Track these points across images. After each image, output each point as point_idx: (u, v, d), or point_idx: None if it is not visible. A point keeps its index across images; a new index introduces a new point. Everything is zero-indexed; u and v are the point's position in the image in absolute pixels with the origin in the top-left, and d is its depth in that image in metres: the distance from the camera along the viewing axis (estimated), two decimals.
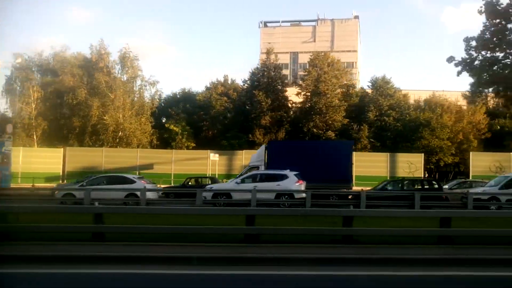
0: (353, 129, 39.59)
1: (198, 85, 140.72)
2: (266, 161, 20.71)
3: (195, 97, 50.04)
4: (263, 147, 21.62)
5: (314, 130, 39.62)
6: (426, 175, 42.30)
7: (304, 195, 18.33)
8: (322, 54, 46.77)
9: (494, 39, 16.23)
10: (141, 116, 42.96)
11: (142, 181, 18.67)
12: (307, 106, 40.97)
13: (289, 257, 7.94)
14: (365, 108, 41.74)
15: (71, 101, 40.37)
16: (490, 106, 49.01)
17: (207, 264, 7.60)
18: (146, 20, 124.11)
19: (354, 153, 38.66)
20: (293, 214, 11.94)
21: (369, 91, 44.35)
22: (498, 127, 46.22)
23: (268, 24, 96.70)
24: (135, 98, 43.48)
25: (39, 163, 35.69)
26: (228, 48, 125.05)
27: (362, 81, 74.63)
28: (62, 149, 36.93)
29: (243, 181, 18.87)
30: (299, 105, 42.75)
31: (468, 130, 41.41)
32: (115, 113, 40.57)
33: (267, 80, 46.13)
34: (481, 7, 15.71)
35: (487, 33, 16.38)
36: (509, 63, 16.23)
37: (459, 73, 16.04)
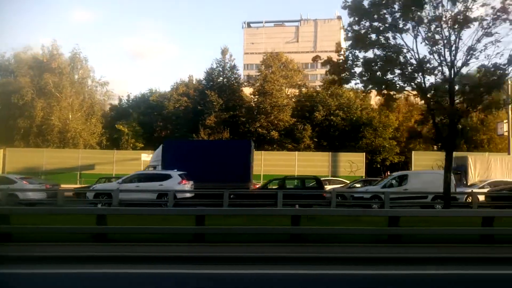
0: (297, 129, 39.62)
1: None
2: (162, 160, 20.73)
3: (150, 98, 50.01)
4: (161, 146, 21.65)
5: (260, 130, 39.67)
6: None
7: (187, 195, 18.43)
8: (276, 54, 46.84)
9: (370, 37, 16.21)
10: (91, 117, 43.04)
11: (24, 182, 18.66)
12: (253, 105, 41.02)
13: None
14: (314, 108, 41.75)
15: (17, 102, 40.31)
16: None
17: None
18: (141, 20, 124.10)
19: (298, 153, 39.54)
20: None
21: (320, 90, 44.36)
22: (460, 126, 46.13)
23: (251, 25, 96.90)
24: (86, 99, 43.42)
25: None
26: (215, 48, 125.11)
27: None
28: (1, 150, 36.86)
29: (131, 180, 18.89)
30: (250, 105, 42.74)
31: (416, 129, 41.45)
32: (62, 113, 40.54)
33: (222, 80, 46.23)
34: (344, 2, 15.58)
35: (362, 31, 16.37)
36: (387, 62, 16.18)
37: (328, 72, 16.04)
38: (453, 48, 15.23)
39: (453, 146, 15.97)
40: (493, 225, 8.88)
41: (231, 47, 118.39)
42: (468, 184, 23.91)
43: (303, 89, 45.93)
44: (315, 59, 15.90)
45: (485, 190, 19.97)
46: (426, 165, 35.57)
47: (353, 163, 36.59)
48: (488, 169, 24.87)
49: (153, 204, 17.58)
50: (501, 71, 14.42)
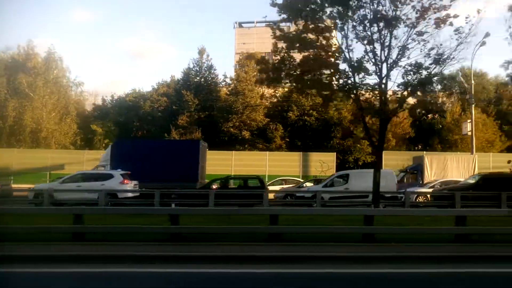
0: (269, 129, 39.66)
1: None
2: (110, 160, 20.74)
3: (126, 98, 50.01)
4: (110, 146, 21.66)
5: (232, 130, 39.69)
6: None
7: (129, 194, 18.44)
8: (252, 54, 46.80)
9: (304, 37, 16.25)
10: (66, 117, 43.07)
11: None
12: (225, 105, 41.02)
13: None
14: (288, 108, 41.74)
15: None
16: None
17: None
18: (140, 20, 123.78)
19: (269, 153, 39.44)
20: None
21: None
22: (440, 126, 46.44)
23: (243, 25, 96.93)
24: (60, 99, 43.38)
25: None
26: (212, 48, 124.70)
27: None
28: None
29: (74, 180, 18.90)
30: (222, 105, 42.61)
31: (390, 129, 41.53)
32: (34, 113, 40.54)
33: (198, 80, 46.23)
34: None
35: (296, 31, 16.48)
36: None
37: (260, 71, 16.09)
38: (385, 47, 15.27)
39: (383, 145, 15.95)
40: (373, 224, 8.89)
41: (227, 48, 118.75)
42: (424, 183, 23.95)
43: (280, 89, 45.83)
44: (248, 58, 15.90)
45: (430, 190, 20.02)
46: (396, 164, 35.58)
47: (324, 163, 36.61)
48: (444, 169, 24.92)
49: (95, 203, 17.55)
50: (428, 71, 14.46)
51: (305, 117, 41.06)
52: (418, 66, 14.25)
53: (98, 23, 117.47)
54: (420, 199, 20.49)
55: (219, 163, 35.74)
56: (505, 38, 17.98)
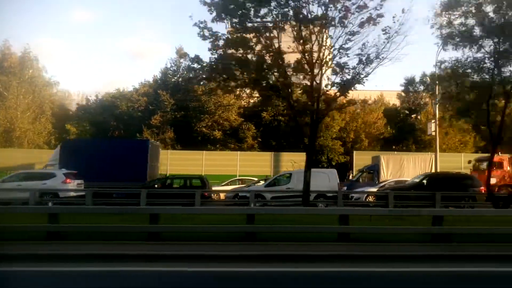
0: (241, 129, 39.66)
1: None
2: (59, 159, 20.76)
3: (104, 98, 49.92)
4: (59, 145, 21.68)
5: (204, 129, 39.67)
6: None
7: (72, 193, 18.44)
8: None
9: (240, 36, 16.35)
10: (41, 116, 43.06)
11: None
12: (199, 105, 40.96)
13: None
14: (263, 108, 41.68)
15: None
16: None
17: None
18: (140, 20, 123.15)
19: (240, 153, 39.40)
20: None
21: None
22: (421, 125, 46.46)
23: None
24: (35, 98, 43.34)
25: None
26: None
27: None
28: None
29: (15, 179, 18.90)
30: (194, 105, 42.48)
31: (364, 129, 41.65)
32: (7, 113, 40.52)
33: (176, 80, 46.21)
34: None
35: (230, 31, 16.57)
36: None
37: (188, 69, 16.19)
38: (320, 47, 15.31)
39: (314, 145, 15.98)
40: (254, 222, 8.90)
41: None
42: (379, 183, 23.98)
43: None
44: (182, 56, 15.94)
45: (375, 189, 20.08)
46: (365, 164, 35.81)
47: (295, 163, 36.63)
48: (401, 169, 24.99)
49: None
50: (354, 71, 14.51)
51: (279, 117, 41.03)
52: (341, 66, 14.30)
53: (98, 23, 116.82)
54: (370, 198, 20.53)
55: (191, 163, 35.84)
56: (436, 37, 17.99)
